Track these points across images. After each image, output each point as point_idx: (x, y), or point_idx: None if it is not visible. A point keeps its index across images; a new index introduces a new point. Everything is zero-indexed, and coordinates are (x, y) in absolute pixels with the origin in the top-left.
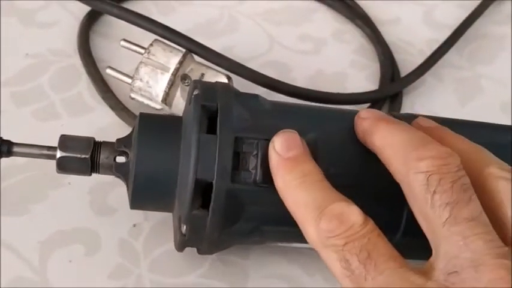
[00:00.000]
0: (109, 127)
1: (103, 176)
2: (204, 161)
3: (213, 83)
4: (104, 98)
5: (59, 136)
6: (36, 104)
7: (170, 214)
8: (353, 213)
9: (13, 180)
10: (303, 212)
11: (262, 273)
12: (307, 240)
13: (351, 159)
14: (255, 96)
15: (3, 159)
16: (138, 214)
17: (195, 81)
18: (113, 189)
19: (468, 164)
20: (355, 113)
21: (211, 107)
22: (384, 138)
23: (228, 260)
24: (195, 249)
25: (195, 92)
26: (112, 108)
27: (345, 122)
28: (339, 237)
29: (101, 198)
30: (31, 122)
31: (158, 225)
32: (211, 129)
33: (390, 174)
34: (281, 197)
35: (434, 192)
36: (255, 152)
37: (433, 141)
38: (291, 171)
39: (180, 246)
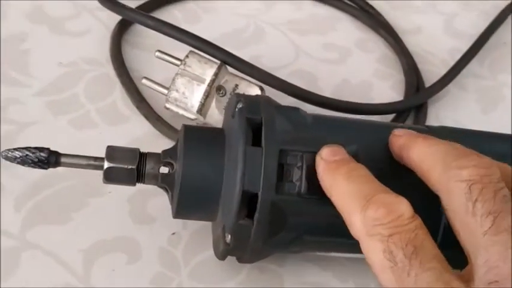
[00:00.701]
0: (144, 136)
1: (141, 185)
2: (250, 173)
3: (255, 96)
4: (138, 108)
5: (97, 145)
6: (72, 113)
7: (208, 222)
8: (402, 204)
9: (54, 188)
10: (349, 201)
11: (297, 280)
12: (351, 231)
13: (390, 171)
14: (296, 109)
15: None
16: (177, 223)
17: (237, 94)
18: (151, 198)
19: (504, 179)
20: (392, 126)
21: (256, 120)
22: (423, 151)
23: (265, 267)
24: (232, 257)
25: (239, 105)
26: (146, 117)
27: (383, 134)
28: (385, 227)
29: (140, 207)
30: (68, 131)
31: (196, 234)
32: (255, 141)
33: (427, 187)
34: (328, 194)
35: (476, 200)
36: (299, 164)
37: (474, 153)
38: (338, 169)
39: (223, 255)
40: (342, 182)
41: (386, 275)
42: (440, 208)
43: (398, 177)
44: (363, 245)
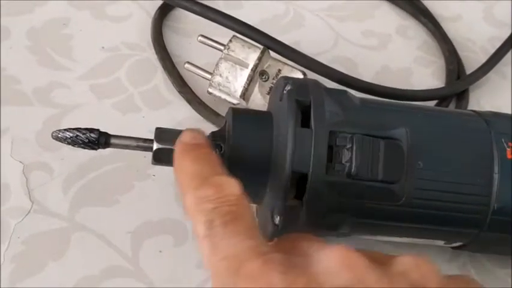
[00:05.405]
0: (186, 120)
1: None
2: (299, 154)
3: (303, 79)
4: (180, 92)
5: (140, 128)
6: (116, 96)
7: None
8: (233, 185)
9: (101, 171)
10: (187, 181)
11: None
12: (184, 209)
13: (437, 155)
14: (344, 92)
15: (89, 151)
16: None
17: (285, 77)
18: None
19: None
20: (438, 110)
21: (304, 102)
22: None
23: None
24: None
25: (288, 88)
26: (189, 102)
27: (430, 117)
28: (211, 202)
29: None
30: (112, 114)
31: None
32: (304, 123)
33: (477, 170)
34: (174, 174)
35: None
36: (348, 146)
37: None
38: (190, 151)
39: (272, 236)
40: (188, 162)
41: (205, 243)
42: (493, 174)
43: (447, 162)
44: (192, 221)
